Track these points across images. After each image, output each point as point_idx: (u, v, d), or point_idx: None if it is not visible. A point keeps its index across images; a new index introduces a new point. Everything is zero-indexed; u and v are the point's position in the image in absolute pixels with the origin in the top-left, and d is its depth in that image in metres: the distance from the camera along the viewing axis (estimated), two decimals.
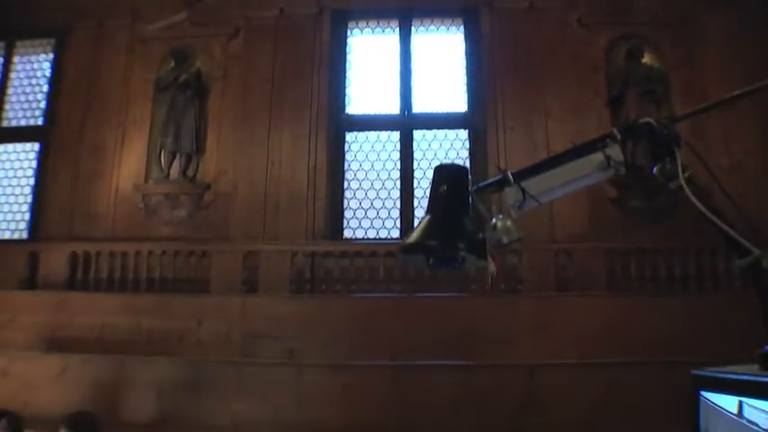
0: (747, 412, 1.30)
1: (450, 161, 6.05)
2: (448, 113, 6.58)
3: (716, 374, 1.48)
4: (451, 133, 6.54)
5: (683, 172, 1.53)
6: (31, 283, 6.15)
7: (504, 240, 1.53)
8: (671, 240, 5.62)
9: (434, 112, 6.58)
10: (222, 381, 4.82)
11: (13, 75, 7.10)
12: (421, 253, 1.60)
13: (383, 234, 6.33)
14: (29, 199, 6.75)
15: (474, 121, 6.46)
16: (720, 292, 5.42)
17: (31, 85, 7.04)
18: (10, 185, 6.85)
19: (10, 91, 7.05)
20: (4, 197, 6.83)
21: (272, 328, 5.27)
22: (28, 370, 5.05)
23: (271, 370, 4.84)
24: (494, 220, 1.54)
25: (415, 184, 6.33)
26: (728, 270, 5.43)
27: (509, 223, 1.54)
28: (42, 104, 6.93)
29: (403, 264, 5.34)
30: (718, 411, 1.42)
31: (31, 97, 7.00)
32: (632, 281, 5.59)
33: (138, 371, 4.95)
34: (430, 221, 1.59)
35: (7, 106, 7.02)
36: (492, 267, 1.50)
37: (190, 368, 4.92)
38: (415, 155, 6.44)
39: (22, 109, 7.00)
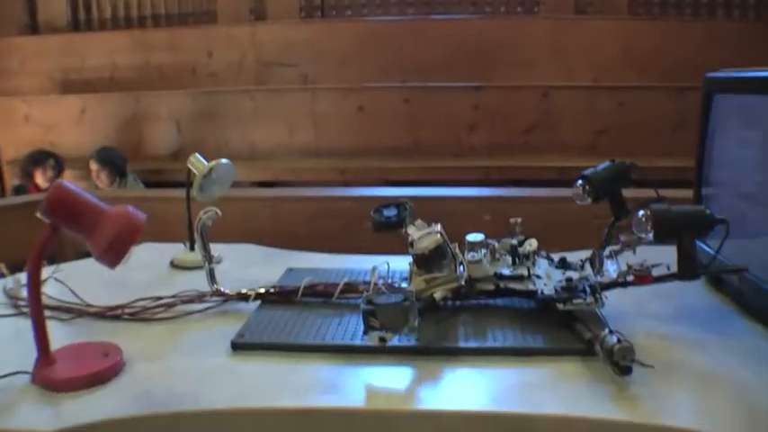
0: None
1: None
2: None
3: (731, 75, 1.46)
4: None
5: None
6: (33, 28, 5.97)
7: None
8: None
9: None
10: (238, 109, 4.92)
11: None
12: None
13: None
14: None
15: None
16: (748, 21, 5.17)
17: None
18: None
19: None
20: None
21: (284, 55, 5.22)
22: (48, 113, 5.16)
23: (285, 96, 4.90)
24: None
25: None
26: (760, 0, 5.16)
27: None
28: None
29: None
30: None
31: None
32: (654, 5, 5.33)
33: (155, 105, 5.04)
34: None
35: None
36: None
37: (205, 99, 4.99)
38: None
39: None
